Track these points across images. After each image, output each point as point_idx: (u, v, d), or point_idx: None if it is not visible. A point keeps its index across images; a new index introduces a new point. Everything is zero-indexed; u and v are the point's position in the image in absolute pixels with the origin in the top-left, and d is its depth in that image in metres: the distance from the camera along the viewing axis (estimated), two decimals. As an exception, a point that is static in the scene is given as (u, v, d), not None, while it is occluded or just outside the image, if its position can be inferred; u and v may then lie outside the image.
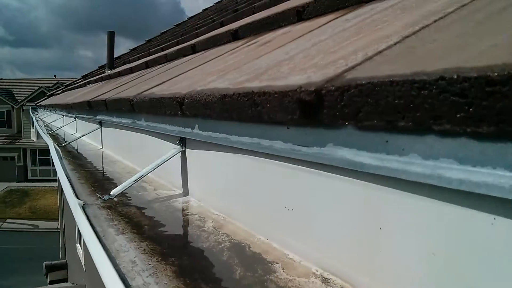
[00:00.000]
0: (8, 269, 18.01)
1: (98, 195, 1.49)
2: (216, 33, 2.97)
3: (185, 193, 1.60)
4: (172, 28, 12.58)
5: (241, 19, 3.84)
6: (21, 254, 19.58)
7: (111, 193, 1.49)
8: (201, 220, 1.26)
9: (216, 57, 2.16)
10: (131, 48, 14.24)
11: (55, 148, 2.77)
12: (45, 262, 9.13)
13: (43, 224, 24.54)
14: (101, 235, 1.12)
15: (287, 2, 2.51)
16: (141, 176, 1.53)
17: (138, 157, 2.25)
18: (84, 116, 3.77)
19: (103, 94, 3.21)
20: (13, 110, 34.93)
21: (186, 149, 1.58)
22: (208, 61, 2.13)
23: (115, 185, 1.86)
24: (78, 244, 6.29)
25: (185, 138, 1.58)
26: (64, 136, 5.18)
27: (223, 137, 1.21)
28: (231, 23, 4.05)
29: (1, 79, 39.62)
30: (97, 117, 3.15)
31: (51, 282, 8.96)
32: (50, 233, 21.60)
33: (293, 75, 0.90)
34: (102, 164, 2.50)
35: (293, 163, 0.94)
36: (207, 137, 1.32)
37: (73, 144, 3.51)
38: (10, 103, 34.79)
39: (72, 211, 1.40)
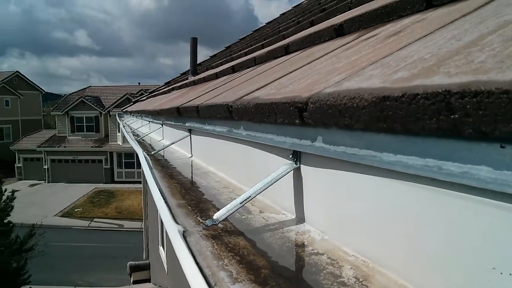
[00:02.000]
0: (95, 266, 18.97)
1: (200, 219, 1.25)
2: (312, 31, 2.67)
3: (300, 219, 1.31)
4: (251, 34, 12.54)
5: (335, 16, 3.52)
6: (107, 252, 20.57)
7: (214, 217, 1.24)
8: (334, 265, 0.96)
9: (324, 54, 1.85)
10: (210, 55, 14.39)
11: (145, 157, 2.63)
12: (129, 262, 9.42)
13: (127, 224, 25.74)
14: (212, 282, 0.86)
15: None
16: (249, 198, 1.26)
17: (235, 170, 2.01)
18: (172, 122, 3.64)
19: (192, 100, 3.03)
20: (101, 116, 37.11)
21: (301, 165, 1.29)
22: (314, 60, 1.83)
23: (213, 204, 1.61)
24: (161, 246, 6.29)
25: (300, 152, 1.29)
26: (151, 142, 5.15)
27: (368, 154, 0.90)
28: (324, 21, 3.74)
29: (90, 86, 42.34)
30: (186, 124, 2.97)
31: (134, 282, 9.21)
32: (134, 233, 22.57)
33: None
34: (194, 175, 2.29)
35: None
36: (339, 153, 1.02)
37: (162, 152, 3.37)
38: (98, 109, 37.02)
39: (170, 238, 1.17)
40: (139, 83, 43.56)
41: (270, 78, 1.91)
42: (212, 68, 7.71)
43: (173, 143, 3.18)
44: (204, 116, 2.26)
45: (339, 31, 2.29)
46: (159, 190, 1.73)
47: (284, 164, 1.32)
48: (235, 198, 1.65)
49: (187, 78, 9.18)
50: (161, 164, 2.77)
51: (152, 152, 3.20)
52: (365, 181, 0.97)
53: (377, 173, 0.92)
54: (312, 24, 4.06)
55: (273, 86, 1.63)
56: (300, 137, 1.23)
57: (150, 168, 2.27)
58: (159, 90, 13.11)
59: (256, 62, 3.60)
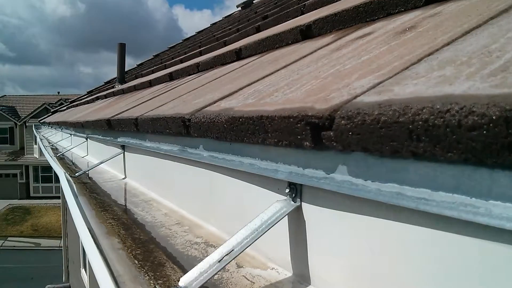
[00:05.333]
0: (10, 289, 17.45)
1: (158, 290, 0.83)
2: (270, 34, 2.34)
3: (301, 278, 0.94)
4: (181, 42, 12.13)
5: (286, 21, 3.22)
6: (23, 273, 19.10)
7: (180, 285, 0.83)
8: None
9: (301, 57, 1.51)
10: (137, 64, 13.70)
11: (68, 181, 2.11)
12: (47, 286, 8.63)
13: (45, 242, 24.19)
14: None
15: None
16: (230, 253, 0.87)
17: (189, 199, 1.59)
18: (100, 137, 3.12)
19: (126, 110, 2.56)
20: (16, 127, 34.57)
21: (303, 203, 0.92)
22: (291, 63, 1.48)
23: (169, 253, 1.19)
24: (83, 269, 5.72)
25: (301, 185, 0.92)
26: (72, 158, 4.53)
27: (471, 203, 0.55)
28: (272, 27, 3.43)
29: (4, 95, 39.32)
30: (119, 140, 2.50)
31: None
32: (52, 251, 21.20)
33: None
34: (133, 204, 1.82)
35: None
36: (390, 194, 0.66)
37: (89, 172, 2.82)
38: (13, 119, 34.43)
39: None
40: (58, 92, 40.99)
41: (234, 85, 1.53)
42: (143, 76, 7.15)
43: (102, 162, 2.66)
44: (145, 130, 1.83)
45: (306, 33, 1.97)
46: (90, 232, 1.27)
47: (276, 201, 0.95)
48: (197, 243, 1.25)
49: (113, 87, 8.51)
50: (89, 188, 2.27)
51: (77, 174, 2.66)
52: (438, 237, 0.62)
53: (461, 229, 0.58)
54: (258, 30, 3.74)
55: (247, 94, 1.26)
56: (305, 164, 0.86)
57: (75, 197, 1.79)
58: (81, 99, 12.19)
59: (199, 69, 3.19)
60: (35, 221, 27.84)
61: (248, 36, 3.81)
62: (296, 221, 0.93)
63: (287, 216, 0.94)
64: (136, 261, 1.08)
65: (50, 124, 9.06)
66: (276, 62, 1.68)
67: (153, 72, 6.78)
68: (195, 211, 1.53)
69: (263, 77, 1.43)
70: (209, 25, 11.96)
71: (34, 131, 11.55)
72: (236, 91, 1.38)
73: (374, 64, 0.91)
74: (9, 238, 24.95)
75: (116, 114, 2.55)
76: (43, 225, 27.04)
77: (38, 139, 8.79)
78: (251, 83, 1.41)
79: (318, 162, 0.82)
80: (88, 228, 1.30)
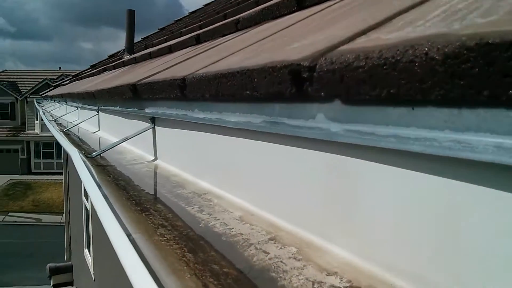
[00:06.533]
0: (9, 264, 17.24)
1: None
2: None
3: None
4: (188, 15, 11.65)
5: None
6: (23, 249, 19.00)
7: None
8: None
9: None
10: (142, 37, 13.14)
11: (84, 163, 1.54)
12: (48, 264, 8.36)
13: (46, 218, 24.09)
14: None
15: None
16: None
17: (290, 200, 1.00)
18: (117, 108, 2.55)
19: (156, 73, 1.98)
20: (17, 102, 34.10)
21: None
22: None
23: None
24: (86, 249, 5.30)
25: None
26: (79, 134, 3.96)
27: None
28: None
29: (5, 70, 38.68)
30: (147, 111, 1.93)
31: (55, 286, 8.21)
32: (53, 227, 21.04)
33: None
34: (182, 200, 1.24)
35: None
36: None
37: (108, 152, 2.23)
38: (14, 94, 33.92)
39: None
40: (59, 68, 40.36)
41: (372, 15, 0.95)
42: (154, 46, 6.53)
43: (126, 139, 2.07)
44: (199, 95, 1.27)
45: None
46: (140, 258, 0.72)
47: None
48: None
49: (120, 59, 7.91)
50: (111, 174, 1.70)
51: (94, 154, 2.08)
52: None
53: None
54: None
55: (432, 17, 0.69)
56: None
57: (99, 186, 1.24)
58: (85, 73, 11.57)
59: (238, 27, 2.60)
60: (36, 197, 27.73)
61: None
62: None
63: None
64: None
65: (53, 97, 8.47)
66: None
67: (166, 41, 6.16)
68: (298, 218, 0.96)
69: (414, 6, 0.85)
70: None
71: (36, 105, 10.98)
72: (390, 18, 0.80)
73: None
74: (10, 213, 24.85)
75: (143, 79, 1.97)
76: (44, 200, 26.95)
77: (40, 113, 8.21)
78: (408, 9, 0.83)
79: None
80: (135, 250, 0.75)
